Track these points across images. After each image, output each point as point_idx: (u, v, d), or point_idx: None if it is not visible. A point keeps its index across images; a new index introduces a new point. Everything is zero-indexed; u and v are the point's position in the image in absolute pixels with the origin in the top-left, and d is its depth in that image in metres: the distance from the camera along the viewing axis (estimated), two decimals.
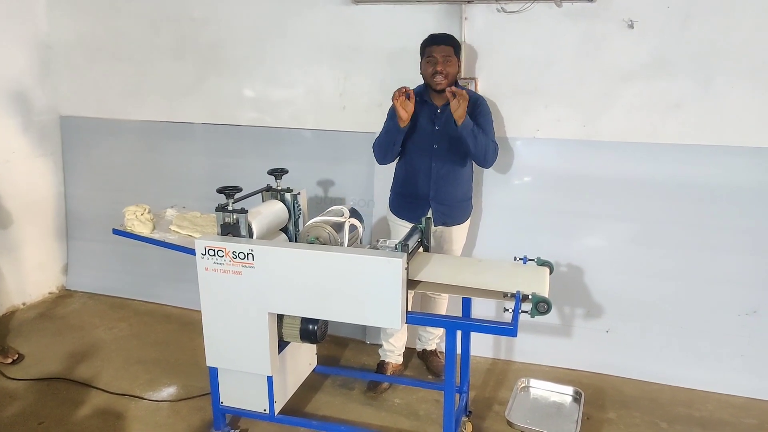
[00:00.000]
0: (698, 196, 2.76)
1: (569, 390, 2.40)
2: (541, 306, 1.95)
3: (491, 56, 2.92)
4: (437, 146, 2.64)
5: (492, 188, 3.04)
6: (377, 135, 2.71)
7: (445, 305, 2.93)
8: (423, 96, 2.64)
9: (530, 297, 1.97)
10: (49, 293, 3.99)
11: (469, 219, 2.83)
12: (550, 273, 2.27)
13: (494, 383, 2.94)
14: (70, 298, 3.96)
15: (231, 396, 2.38)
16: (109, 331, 3.46)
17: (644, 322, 2.95)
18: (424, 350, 3.08)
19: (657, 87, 2.73)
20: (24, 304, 3.80)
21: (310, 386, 2.80)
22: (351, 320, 2.08)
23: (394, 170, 2.81)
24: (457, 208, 2.74)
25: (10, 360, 3.07)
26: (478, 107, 2.63)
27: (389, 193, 2.86)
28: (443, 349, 2.57)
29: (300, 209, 2.55)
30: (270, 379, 2.28)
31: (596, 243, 2.97)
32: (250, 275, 2.12)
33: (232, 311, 2.19)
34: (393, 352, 2.91)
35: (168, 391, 2.83)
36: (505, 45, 2.89)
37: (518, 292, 1.99)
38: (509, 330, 1.96)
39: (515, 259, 2.34)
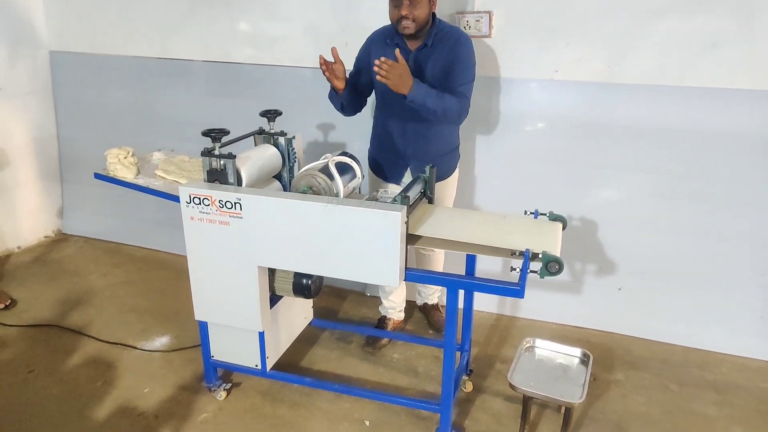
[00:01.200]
0: (728, 145, 2.53)
1: (577, 351, 2.26)
2: (552, 266, 1.79)
3: None
4: None
5: (501, 136, 2.82)
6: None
7: (441, 262, 2.77)
8: (393, 38, 2.31)
9: (540, 256, 1.81)
10: (45, 237, 3.89)
11: (457, 169, 2.60)
12: (563, 229, 2.10)
13: (497, 340, 2.83)
14: (65, 242, 3.86)
15: (222, 350, 2.28)
16: (104, 277, 3.37)
17: (659, 280, 2.79)
18: (425, 304, 2.95)
19: (692, 23, 2.45)
20: (19, 247, 3.72)
21: (306, 339, 2.70)
22: (345, 276, 1.93)
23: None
24: (440, 163, 2.43)
25: (2, 305, 2.99)
26: (453, 52, 2.25)
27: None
28: (445, 303, 2.45)
29: (295, 155, 2.36)
30: (261, 334, 2.17)
31: (612, 196, 2.77)
32: (238, 226, 1.97)
33: (219, 263, 2.06)
34: (394, 309, 2.79)
35: (161, 341, 2.75)
36: None
37: (527, 250, 1.82)
38: (516, 291, 1.80)
39: (525, 213, 2.16)
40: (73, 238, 3.91)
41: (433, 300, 2.94)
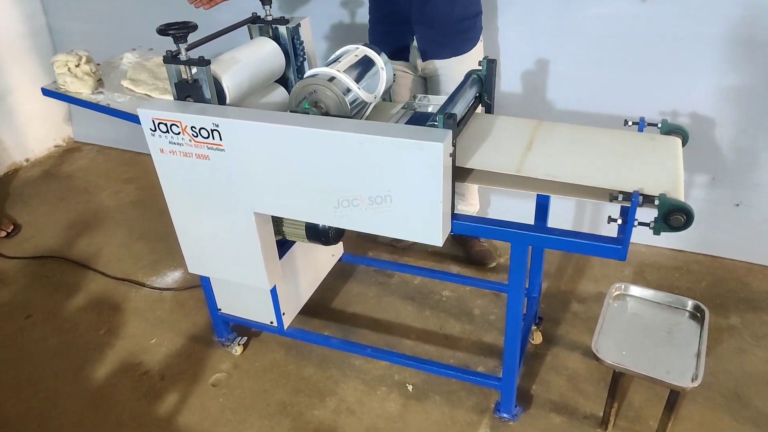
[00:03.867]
0: None
1: (686, 303, 1.70)
2: (677, 219, 1.18)
3: None
4: None
5: None
6: None
7: None
8: None
9: (657, 202, 1.19)
10: (56, 146, 3.51)
11: (479, 44, 1.95)
12: (683, 145, 1.44)
13: (573, 271, 2.28)
14: (78, 152, 3.48)
15: (230, 304, 1.87)
16: (115, 195, 2.99)
17: None
18: None
19: None
20: (27, 160, 3.36)
21: (339, 273, 2.26)
22: (367, 230, 1.40)
23: None
24: (452, 31, 1.87)
25: (4, 233, 2.68)
26: None
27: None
28: None
29: (303, 49, 1.74)
30: (273, 290, 1.72)
31: (735, 81, 2.00)
32: (220, 161, 1.44)
33: (205, 209, 1.56)
34: None
35: (173, 277, 2.38)
36: None
37: (636, 193, 1.20)
38: (615, 250, 1.24)
39: (626, 123, 1.50)
40: (85, 147, 3.52)
41: None
